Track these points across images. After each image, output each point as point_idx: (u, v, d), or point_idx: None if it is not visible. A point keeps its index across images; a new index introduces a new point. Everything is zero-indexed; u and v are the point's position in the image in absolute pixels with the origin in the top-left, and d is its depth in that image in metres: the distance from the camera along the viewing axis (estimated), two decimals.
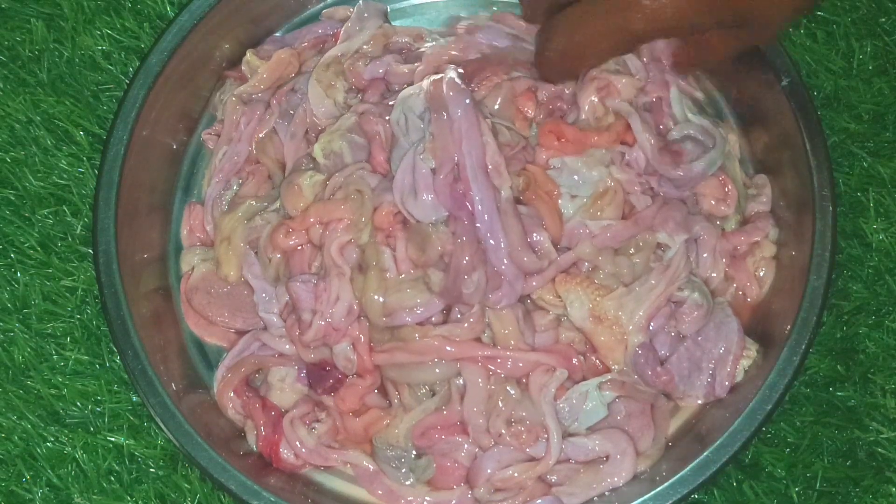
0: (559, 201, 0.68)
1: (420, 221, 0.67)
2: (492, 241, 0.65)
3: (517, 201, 0.67)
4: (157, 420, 0.67)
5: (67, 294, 0.76)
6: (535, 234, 0.67)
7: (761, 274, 0.71)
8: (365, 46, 0.75)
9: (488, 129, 0.66)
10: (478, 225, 0.65)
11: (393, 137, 0.70)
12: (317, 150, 0.71)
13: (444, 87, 0.66)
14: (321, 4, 0.81)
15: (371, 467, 0.69)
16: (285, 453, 0.69)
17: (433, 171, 0.66)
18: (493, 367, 0.66)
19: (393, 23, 0.80)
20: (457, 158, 0.65)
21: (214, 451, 0.67)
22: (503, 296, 0.66)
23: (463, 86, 0.66)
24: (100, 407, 0.74)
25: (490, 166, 0.65)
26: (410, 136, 0.68)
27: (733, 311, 0.70)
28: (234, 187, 0.75)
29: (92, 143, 0.79)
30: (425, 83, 0.68)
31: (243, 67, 0.78)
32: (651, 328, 0.67)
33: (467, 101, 0.66)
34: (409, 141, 0.68)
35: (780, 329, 0.68)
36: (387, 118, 0.70)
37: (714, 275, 0.70)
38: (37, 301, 0.76)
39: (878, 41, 0.79)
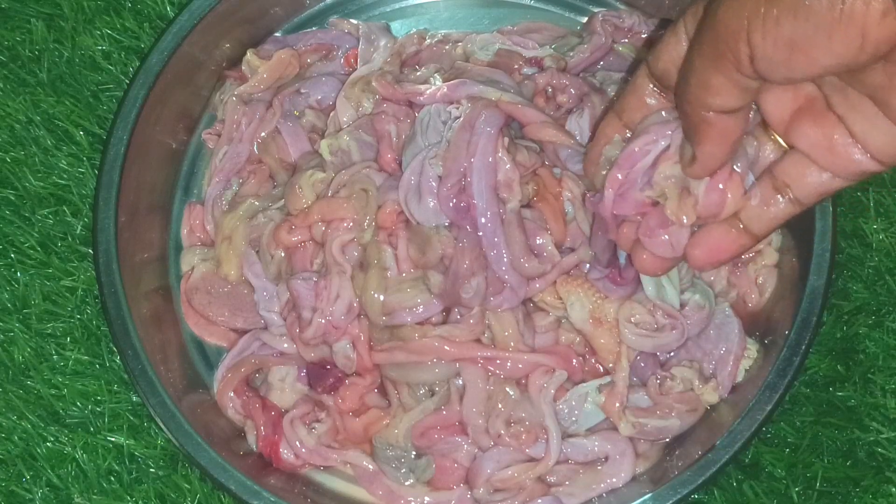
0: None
1: (421, 224, 0.67)
2: (493, 252, 0.65)
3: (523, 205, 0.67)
4: (158, 420, 0.68)
5: (67, 294, 0.76)
6: (538, 238, 0.66)
7: (761, 281, 0.71)
8: (385, 67, 0.75)
9: (504, 148, 0.65)
10: (480, 234, 0.65)
11: (410, 134, 0.70)
12: (323, 146, 0.71)
13: (483, 109, 0.66)
14: (320, 4, 0.81)
15: (371, 467, 0.69)
16: (285, 453, 0.69)
17: (440, 177, 0.66)
18: (492, 368, 0.66)
19: (393, 23, 0.80)
20: (465, 171, 0.65)
21: (214, 451, 0.67)
22: (504, 300, 0.66)
23: (498, 115, 0.66)
24: (100, 407, 0.74)
25: (502, 181, 0.65)
26: (428, 136, 0.68)
27: (733, 312, 0.69)
28: (234, 187, 0.75)
29: (92, 143, 0.79)
30: (465, 102, 0.67)
31: (243, 67, 0.78)
32: None
33: (495, 130, 0.65)
34: (425, 140, 0.68)
35: (781, 329, 0.68)
36: (401, 119, 0.70)
37: (715, 282, 0.70)
38: (37, 301, 0.76)
39: None
